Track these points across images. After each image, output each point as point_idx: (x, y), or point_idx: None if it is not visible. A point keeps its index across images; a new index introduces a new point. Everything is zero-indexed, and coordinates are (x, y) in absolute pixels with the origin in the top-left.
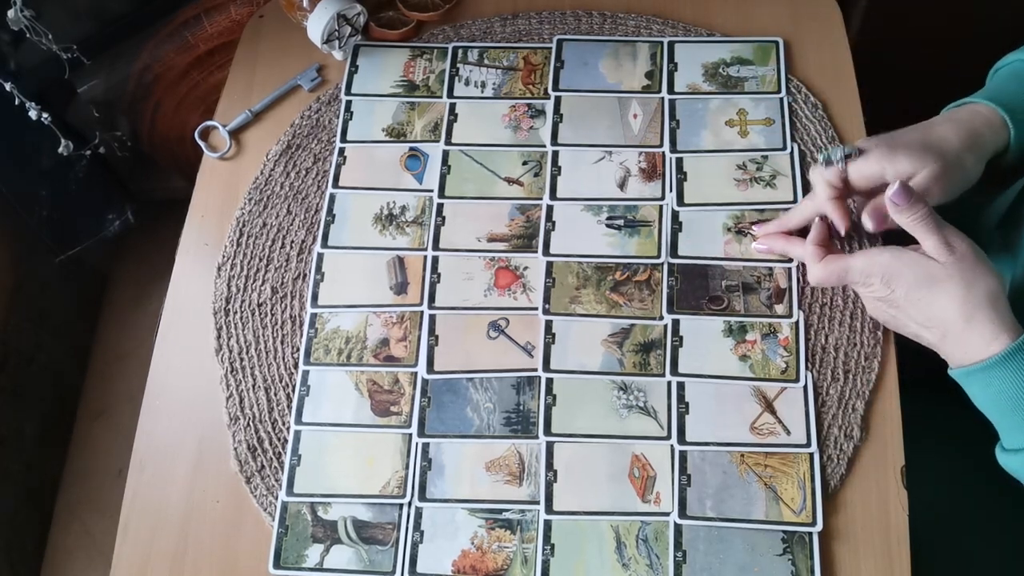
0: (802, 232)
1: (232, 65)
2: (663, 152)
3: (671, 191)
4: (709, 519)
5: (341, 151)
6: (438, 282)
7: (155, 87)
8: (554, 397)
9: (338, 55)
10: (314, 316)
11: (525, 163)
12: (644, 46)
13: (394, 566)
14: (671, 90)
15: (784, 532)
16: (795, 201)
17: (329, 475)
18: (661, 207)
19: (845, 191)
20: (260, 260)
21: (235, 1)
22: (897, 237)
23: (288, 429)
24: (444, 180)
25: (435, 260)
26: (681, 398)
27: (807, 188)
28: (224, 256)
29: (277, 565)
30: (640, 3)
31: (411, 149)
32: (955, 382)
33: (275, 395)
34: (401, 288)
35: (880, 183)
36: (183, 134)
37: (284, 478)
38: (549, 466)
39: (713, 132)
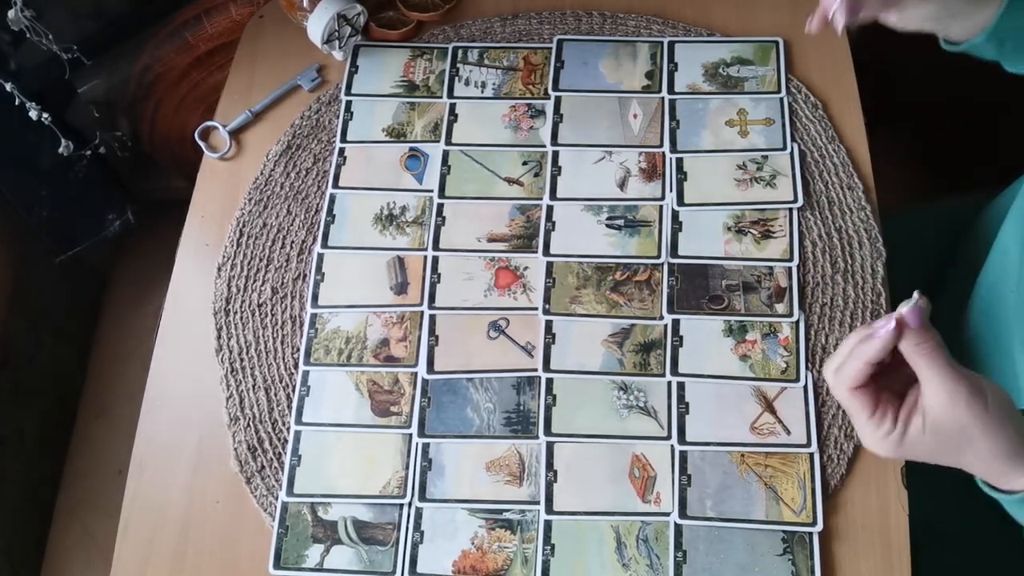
0: None
1: (232, 65)
2: (663, 152)
3: (671, 191)
4: (709, 519)
5: (341, 151)
6: (438, 282)
7: (155, 87)
8: (554, 397)
9: (338, 55)
10: (314, 316)
11: (525, 163)
12: (644, 46)
13: (394, 566)
14: (671, 90)
15: (784, 532)
16: (795, 200)
17: (329, 475)
18: (661, 207)
19: None
20: (260, 260)
21: (235, 1)
22: None
23: (288, 429)
24: (444, 180)
25: (435, 260)
26: (681, 398)
27: (807, 187)
28: (224, 256)
29: (277, 565)
30: (640, 3)
31: (411, 149)
32: None
33: (275, 395)
34: (401, 288)
35: None
36: (183, 134)
37: (284, 478)
38: (549, 466)
39: (713, 132)
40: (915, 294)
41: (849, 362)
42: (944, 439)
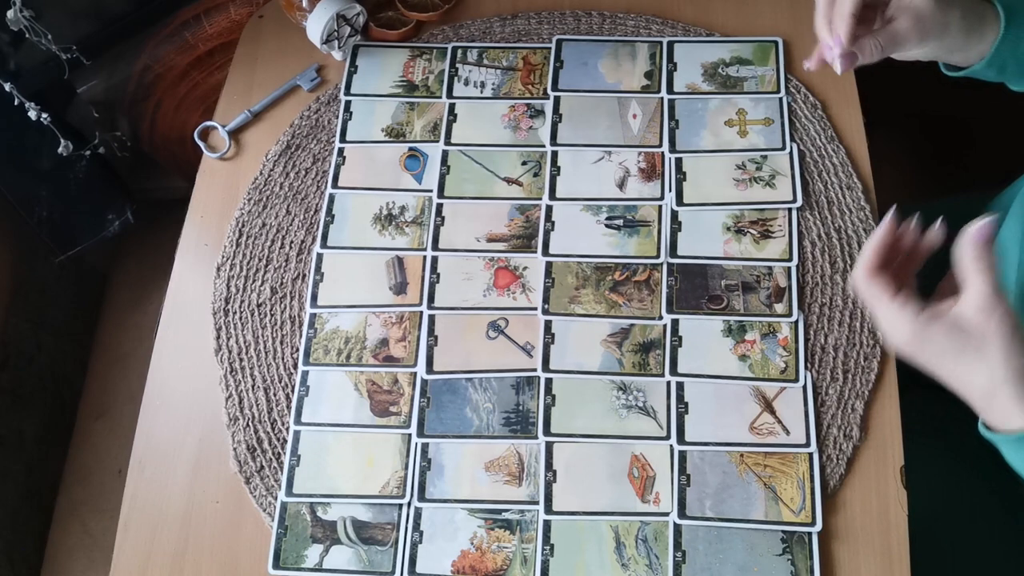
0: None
1: (232, 65)
2: (662, 152)
3: (670, 191)
4: (708, 519)
5: (340, 151)
6: (437, 282)
7: (155, 87)
8: (553, 397)
9: (337, 55)
10: (313, 316)
11: (524, 163)
12: (643, 46)
13: (393, 566)
14: (670, 90)
15: (783, 532)
16: (794, 200)
17: (328, 475)
18: (660, 207)
19: None
20: (259, 260)
21: (235, 1)
22: None
23: (287, 429)
24: (443, 180)
25: (434, 260)
26: (680, 398)
27: (806, 187)
28: (223, 256)
29: (276, 565)
30: (640, 3)
31: (410, 149)
32: None
33: (274, 395)
34: (400, 288)
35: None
36: (183, 134)
37: (283, 478)
38: (548, 466)
39: (712, 132)
40: (986, 215)
41: (862, 253)
42: (963, 341)
